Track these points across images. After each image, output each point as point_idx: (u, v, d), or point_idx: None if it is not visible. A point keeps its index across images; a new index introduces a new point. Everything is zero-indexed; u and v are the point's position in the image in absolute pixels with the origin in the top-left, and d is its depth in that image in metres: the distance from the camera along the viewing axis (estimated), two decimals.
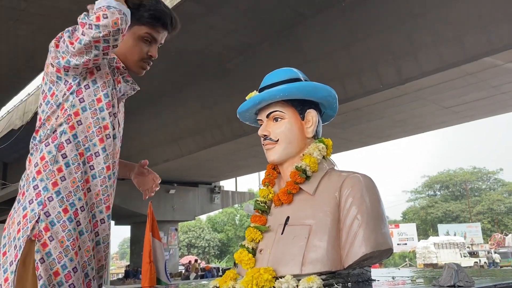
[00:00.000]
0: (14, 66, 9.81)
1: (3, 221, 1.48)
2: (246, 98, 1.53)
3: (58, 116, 1.40)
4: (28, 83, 11.27)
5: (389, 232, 1.36)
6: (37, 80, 12.28)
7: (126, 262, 39.12)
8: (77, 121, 1.40)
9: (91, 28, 1.28)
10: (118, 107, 1.56)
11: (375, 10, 8.65)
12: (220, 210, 39.02)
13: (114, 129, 1.48)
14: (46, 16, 7.86)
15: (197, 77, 12.05)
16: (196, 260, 25.06)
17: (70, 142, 1.39)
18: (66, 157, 1.38)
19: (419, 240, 32.62)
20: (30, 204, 1.36)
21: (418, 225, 41.14)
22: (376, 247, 1.24)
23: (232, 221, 50.93)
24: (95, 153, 1.42)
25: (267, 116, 1.49)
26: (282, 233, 1.38)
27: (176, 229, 20.97)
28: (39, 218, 1.33)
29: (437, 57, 8.31)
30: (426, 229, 42.89)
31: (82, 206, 1.38)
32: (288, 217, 1.39)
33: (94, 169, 1.42)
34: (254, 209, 1.50)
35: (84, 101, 1.42)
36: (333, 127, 10.12)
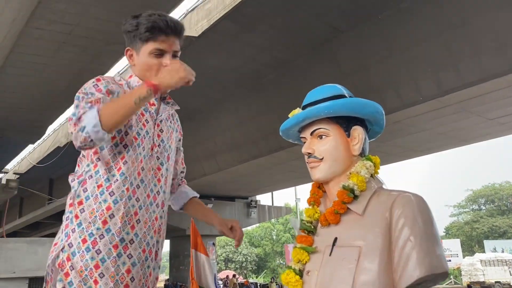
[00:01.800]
0: (60, 86, 10.24)
1: (50, 235, 1.59)
2: (289, 115, 1.51)
3: (84, 157, 1.57)
4: (72, 103, 11.73)
5: (444, 254, 1.29)
6: None
7: (165, 276, 39.52)
8: (96, 158, 1.52)
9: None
10: (154, 129, 1.63)
11: (412, 22, 8.50)
12: (257, 224, 38.91)
13: (136, 149, 1.54)
14: (91, 38, 8.19)
15: (234, 93, 12.19)
16: (234, 275, 25.00)
17: (92, 177, 1.50)
18: (87, 190, 1.49)
19: (464, 256, 31.33)
20: (61, 232, 1.49)
21: (463, 241, 39.49)
22: (431, 271, 1.18)
23: (269, 235, 50.62)
24: (114, 181, 1.49)
25: (311, 134, 1.46)
26: (330, 255, 1.33)
27: (214, 244, 21.04)
28: (63, 248, 1.44)
29: (479, 67, 8.05)
30: (471, 245, 41.10)
31: (102, 235, 1.44)
32: (336, 238, 1.36)
33: (114, 194, 1.48)
34: (300, 229, 1.47)
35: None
36: (372, 140, 9.90)
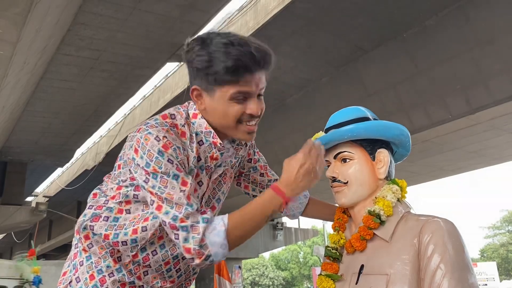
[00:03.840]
0: (88, 110, 10.52)
1: None
2: (312, 138, 1.47)
3: (115, 190, 1.36)
4: (100, 126, 12.02)
5: (477, 283, 1.22)
6: (108, 123, 13.05)
7: None
8: (126, 209, 1.34)
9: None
10: (207, 187, 1.40)
11: (439, 39, 8.40)
12: (284, 247, 38.47)
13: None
14: (117, 63, 8.41)
15: None
16: None
17: (107, 220, 1.33)
18: (93, 229, 1.34)
19: (501, 280, 30.02)
20: (70, 262, 1.37)
21: (499, 264, 37.95)
22: None
23: (296, 258, 49.91)
24: (122, 241, 1.32)
25: (335, 157, 1.42)
26: (356, 283, 1.28)
27: (240, 267, 20.84)
28: (71, 282, 1.32)
29: (510, 84, 7.84)
30: (508, 268, 39.44)
31: (112, 273, 1.31)
32: (362, 266, 1.29)
33: (120, 253, 1.34)
34: (325, 256, 1.41)
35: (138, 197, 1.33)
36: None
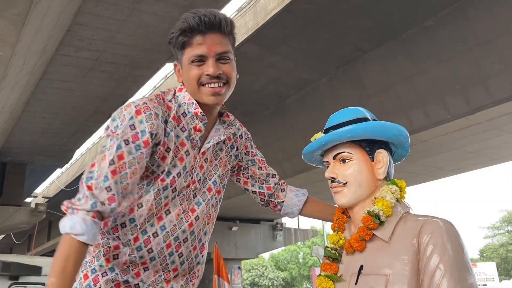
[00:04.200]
0: (87, 111, 10.51)
1: None
2: (311, 139, 1.47)
3: None
4: (99, 127, 12.00)
5: (476, 283, 1.21)
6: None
7: None
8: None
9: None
10: (195, 160, 1.40)
11: (438, 40, 8.40)
12: (283, 247, 38.46)
13: (166, 189, 1.33)
14: (117, 64, 8.40)
15: (258, 114, 12.22)
16: None
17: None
18: None
19: (500, 280, 30.03)
20: None
21: (498, 264, 37.96)
22: None
23: (295, 259, 49.89)
24: (121, 225, 1.32)
25: (334, 158, 1.41)
26: (356, 283, 1.28)
27: (240, 267, 20.83)
28: None
29: (509, 84, 7.84)
30: (508, 268, 39.43)
31: (105, 272, 1.30)
32: (361, 266, 1.29)
33: (120, 239, 1.32)
34: (324, 256, 1.41)
35: None
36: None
